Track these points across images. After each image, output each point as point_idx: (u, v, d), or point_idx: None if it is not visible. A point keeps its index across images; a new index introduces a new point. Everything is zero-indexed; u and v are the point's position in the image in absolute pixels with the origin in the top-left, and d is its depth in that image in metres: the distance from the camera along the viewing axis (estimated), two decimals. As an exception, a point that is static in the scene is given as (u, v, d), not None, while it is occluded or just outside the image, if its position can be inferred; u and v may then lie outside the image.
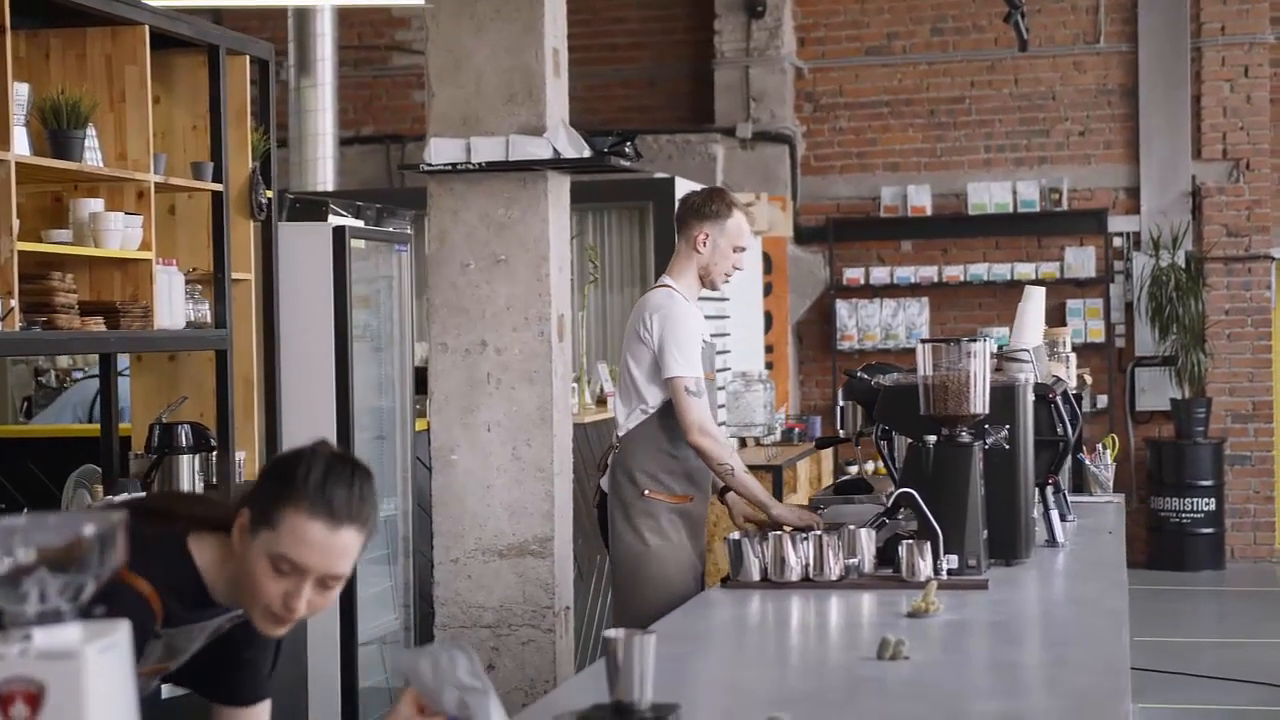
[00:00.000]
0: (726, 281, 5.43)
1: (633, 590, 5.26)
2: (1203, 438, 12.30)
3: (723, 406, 9.76)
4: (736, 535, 4.36)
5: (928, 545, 4.21)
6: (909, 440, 4.55)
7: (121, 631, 1.78)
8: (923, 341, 4.46)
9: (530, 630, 5.66)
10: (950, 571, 4.25)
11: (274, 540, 2.56)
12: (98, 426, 5.72)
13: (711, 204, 5.33)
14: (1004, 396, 4.54)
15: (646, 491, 5.22)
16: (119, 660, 1.77)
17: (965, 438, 4.40)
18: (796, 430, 10.78)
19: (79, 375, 8.38)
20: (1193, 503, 12.24)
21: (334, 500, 2.57)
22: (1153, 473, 12.42)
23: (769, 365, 12.21)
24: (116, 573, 2.43)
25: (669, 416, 5.18)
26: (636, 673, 2.73)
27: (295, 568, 2.57)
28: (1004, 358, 5.11)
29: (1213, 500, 12.26)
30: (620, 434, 5.32)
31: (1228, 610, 11.36)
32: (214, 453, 5.57)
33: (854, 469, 11.87)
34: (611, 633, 2.73)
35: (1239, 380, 12.60)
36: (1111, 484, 6.42)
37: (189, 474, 5.41)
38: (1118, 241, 12.74)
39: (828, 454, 11.26)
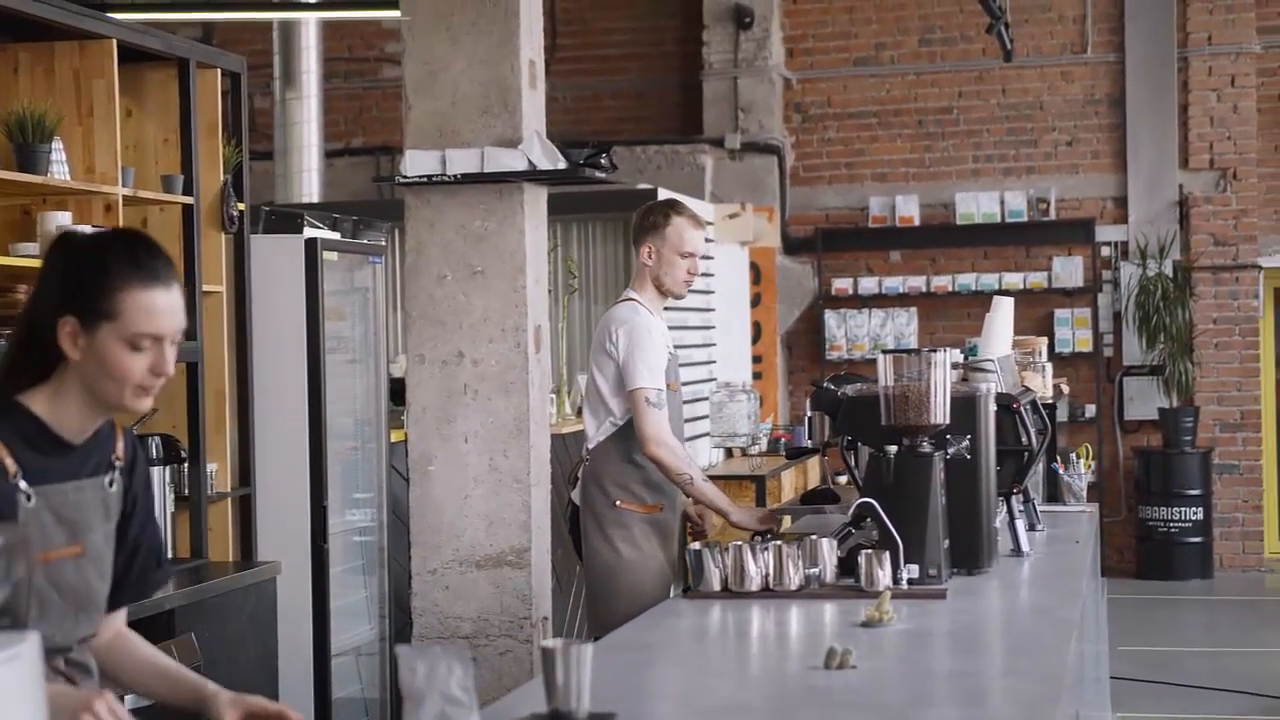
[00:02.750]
0: (688, 287, 5.46)
1: (606, 601, 5.30)
2: (1191, 447, 12.30)
3: (704, 418, 9.78)
4: (697, 545, 4.37)
5: (887, 555, 4.22)
6: (870, 450, 4.56)
7: (29, 643, 1.80)
8: (884, 352, 4.47)
9: (508, 641, 5.68)
10: (911, 581, 4.26)
11: (122, 326, 2.67)
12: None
13: (649, 216, 5.42)
14: (965, 406, 4.55)
15: (618, 502, 5.28)
16: (24, 672, 1.78)
17: (926, 448, 4.41)
18: (784, 440, 10.79)
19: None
20: (1181, 512, 12.24)
21: (156, 268, 2.71)
22: (1141, 482, 12.43)
23: (758, 375, 12.23)
24: None
25: None
26: (574, 682, 2.75)
27: (153, 339, 2.69)
28: (969, 368, 5.12)
29: (1201, 509, 12.26)
30: (590, 446, 5.39)
31: (1215, 619, 11.36)
32: (185, 464, 5.59)
33: (843, 479, 11.86)
34: (548, 643, 2.76)
35: (1227, 389, 12.61)
36: (1085, 494, 6.42)
37: (160, 486, 5.42)
38: (1105, 251, 12.75)
39: (814, 464, 11.26)
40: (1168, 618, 11.12)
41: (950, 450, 4.48)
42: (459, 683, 2.56)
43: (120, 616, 2.98)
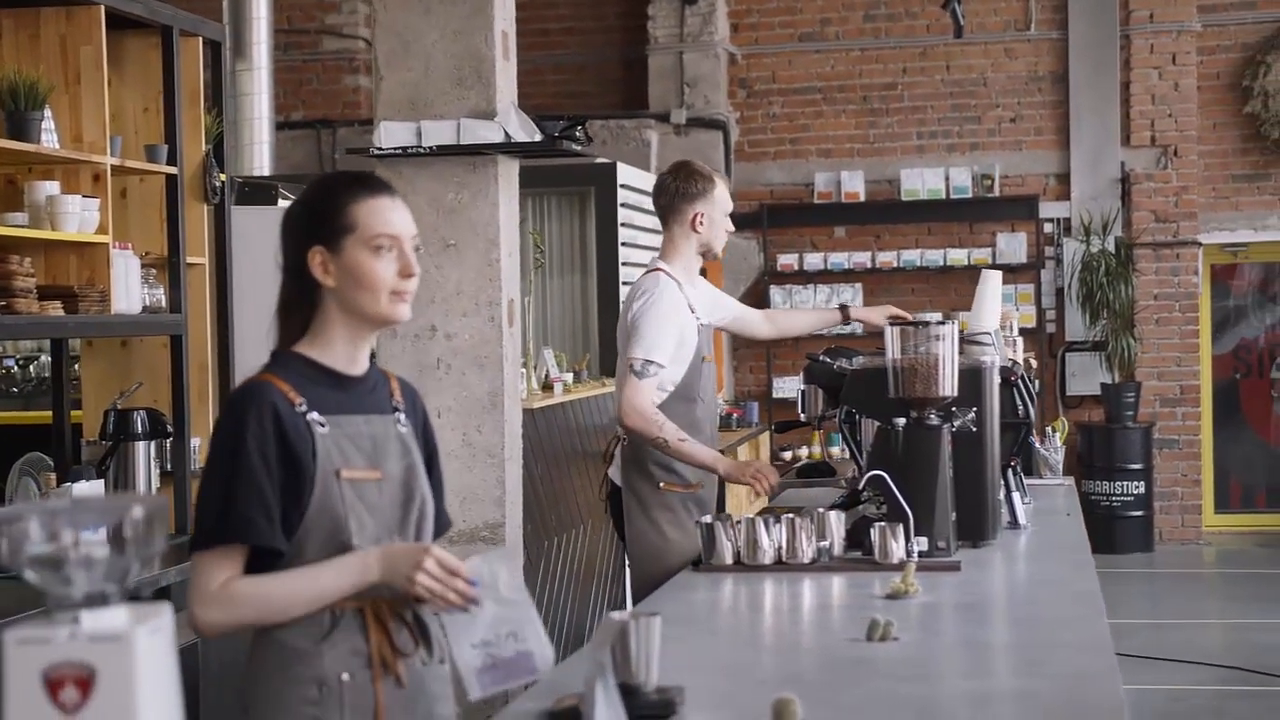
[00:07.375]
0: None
1: (657, 582, 5.16)
2: (1132, 422, 12.44)
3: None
4: (709, 519, 4.36)
5: (900, 527, 4.22)
6: (877, 423, 4.56)
7: (166, 615, 1.76)
8: (891, 324, 4.47)
9: (481, 616, 5.63)
10: (920, 554, 4.26)
11: (362, 234, 2.84)
12: (49, 414, 5.62)
13: (696, 183, 5.34)
14: (971, 379, 4.56)
15: (662, 484, 5.16)
16: (166, 642, 1.74)
17: (934, 420, 4.42)
18: (735, 416, 10.81)
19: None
20: (1122, 486, 12.38)
21: (379, 184, 2.93)
22: (1083, 456, 12.55)
23: (703, 351, 12.22)
24: None
25: (676, 404, 5.12)
26: (643, 654, 2.73)
27: (391, 239, 2.85)
28: (966, 341, 5.13)
29: (1142, 483, 12.40)
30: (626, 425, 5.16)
31: (1157, 591, 11.50)
32: (169, 439, 5.50)
33: (804, 452, 11.92)
34: (618, 615, 2.72)
35: (1167, 365, 12.75)
36: (1061, 467, 6.46)
37: (144, 461, 5.34)
38: (1049, 227, 12.85)
39: (765, 439, 11.30)
40: (1111, 590, 11.15)
41: (957, 422, 4.48)
42: (506, 583, 2.55)
43: None
